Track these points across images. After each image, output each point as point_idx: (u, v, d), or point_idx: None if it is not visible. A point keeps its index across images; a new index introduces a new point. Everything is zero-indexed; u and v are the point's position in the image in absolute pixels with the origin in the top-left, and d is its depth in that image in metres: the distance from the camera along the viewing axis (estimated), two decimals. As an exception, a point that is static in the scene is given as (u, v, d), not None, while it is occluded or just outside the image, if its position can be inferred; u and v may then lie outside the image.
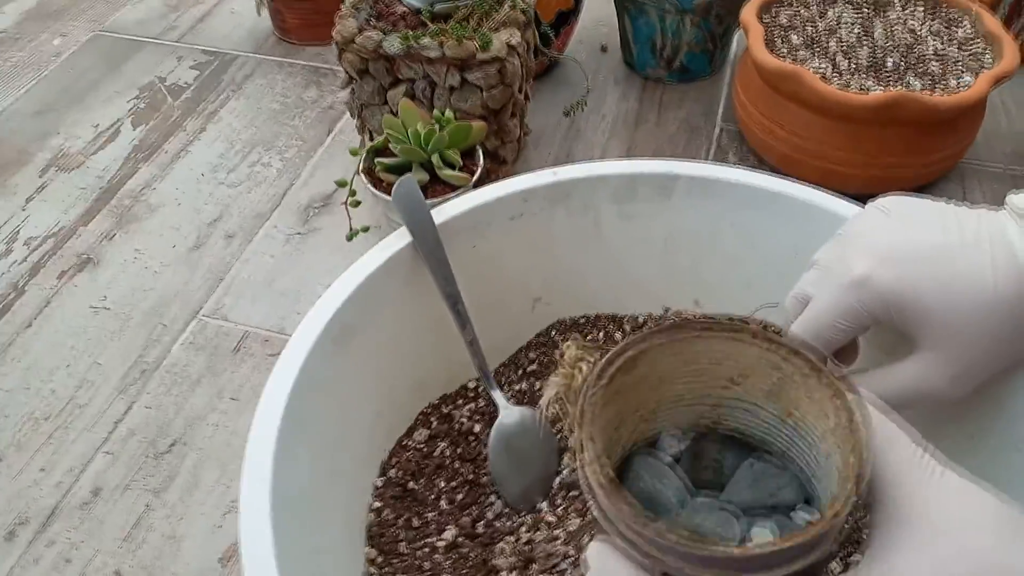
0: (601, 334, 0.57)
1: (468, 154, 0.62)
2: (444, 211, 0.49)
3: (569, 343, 0.34)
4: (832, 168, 0.69)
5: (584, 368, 0.32)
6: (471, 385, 0.55)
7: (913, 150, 0.67)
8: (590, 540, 0.31)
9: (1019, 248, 0.38)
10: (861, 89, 0.66)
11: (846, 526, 0.28)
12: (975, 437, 0.44)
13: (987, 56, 0.70)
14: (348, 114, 0.84)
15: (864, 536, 0.45)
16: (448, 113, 0.59)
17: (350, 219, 0.61)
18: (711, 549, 0.26)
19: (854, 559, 0.44)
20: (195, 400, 0.60)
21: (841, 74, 0.68)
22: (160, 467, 0.56)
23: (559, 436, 0.52)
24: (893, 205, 0.42)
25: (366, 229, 0.63)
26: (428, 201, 0.49)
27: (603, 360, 0.32)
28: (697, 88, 0.86)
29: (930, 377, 0.40)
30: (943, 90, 0.66)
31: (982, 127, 0.72)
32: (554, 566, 0.46)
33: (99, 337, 0.65)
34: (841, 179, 0.67)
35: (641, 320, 0.58)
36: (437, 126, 0.58)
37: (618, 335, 0.57)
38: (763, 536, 0.32)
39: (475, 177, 0.59)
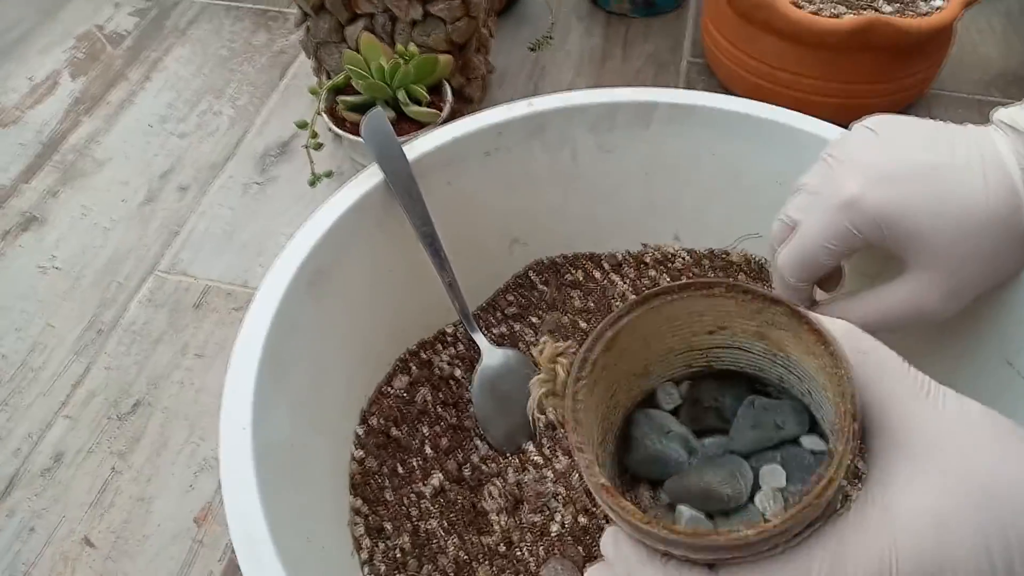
0: (580, 273, 0.56)
1: (434, 91, 0.59)
2: (416, 147, 0.47)
3: (544, 340, 0.33)
4: (804, 97, 0.68)
5: (564, 363, 0.32)
6: (449, 330, 0.53)
7: (885, 76, 0.66)
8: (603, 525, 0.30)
9: (1010, 164, 0.38)
10: (832, 15, 0.65)
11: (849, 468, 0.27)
12: (964, 356, 0.44)
13: (955, -20, 0.69)
14: (301, 58, 0.81)
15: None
16: (412, 48, 0.56)
17: (312, 163, 0.58)
18: (712, 539, 0.26)
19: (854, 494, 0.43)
20: (157, 358, 0.58)
21: (812, 1, 0.67)
22: (124, 429, 0.54)
23: (543, 377, 0.51)
24: (881, 124, 0.41)
25: (329, 174, 0.60)
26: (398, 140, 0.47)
27: (582, 350, 0.31)
28: (662, 22, 0.84)
29: (923, 296, 0.39)
30: (914, 14, 0.65)
31: (948, 56, 0.71)
32: (544, 505, 0.45)
33: (50, 298, 0.62)
34: (813, 108, 0.65)
35: (620, 257, 0.56)
36: (401, 60, 0.55)
37: (596, 273, 0.56)
38: (774, 476, 0.31)
39: (444, 113, 0.57)
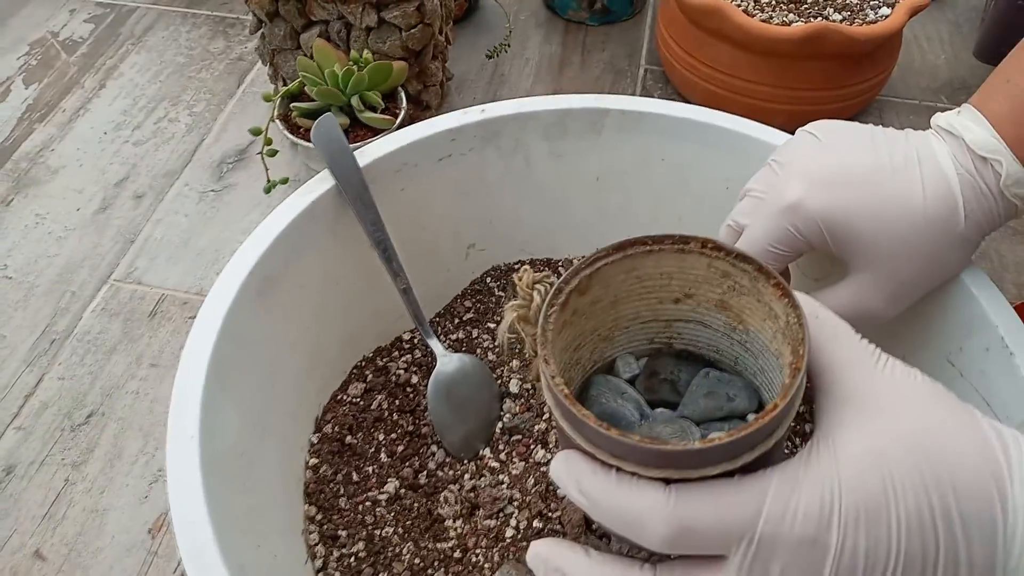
0: (536, 278, 0.56)
1: (390, 97, 0.59)
2: (368, 152, 0.47)
3: (525, 268, 0.34)
4: (756, 103, 0.69)
5: (541, 290, 0.32)
6: (406, 336, 0.53)
7: (834, 83, 0.68)
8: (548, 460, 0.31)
9: (947, 167, 0.39)
10: (783, 23, 0.66)
11: (798, 413, 0.29)
12: (906, 357, 0.44)
13: (902, -12, 0.70)
14: (259, 65, 0.80)
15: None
16: (367, 54, 0.56)
17: (267, 170, 0.58)
18: (667, 446, 0.27)
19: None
20: (112, 368, 0.57)
21: (763, 8, 0.68)
22: (78, 439, 0.53)
23: (499, 381, 0.51)
24: (823, 130, 0.42)
25: (285, 181, 0.60)
26: (350, 146, 0.47)
27: (559, 281, 0.32)
28: (619, 30, 0.85)
29: (866, 298, 0.40)
30: (862, 21, 0.67)
31: (897, 62, 0.73)
32: (500, 510, 0.45)
33: (2, 308, 0.61)
34: (765, 114, 0.67)
35: (575, 262, 0.57)
36: (355, 67, 0.55)
37: (553, 278, 0.56)
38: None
39: (399, 120, 0.57)
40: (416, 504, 0.45)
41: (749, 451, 0.28)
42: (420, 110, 0.67)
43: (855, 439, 0.28)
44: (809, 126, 0.43)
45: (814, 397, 0.31)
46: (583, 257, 0.33)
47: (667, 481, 0.27)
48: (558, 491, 0.44)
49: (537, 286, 0.33)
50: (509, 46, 0.73)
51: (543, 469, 0.46)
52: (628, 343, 0.37)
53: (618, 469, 0.28)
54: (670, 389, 0.36)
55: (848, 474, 0.27)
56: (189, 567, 0.32)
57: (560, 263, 0.57)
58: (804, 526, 0.26)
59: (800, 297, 0.32)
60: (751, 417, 0.34)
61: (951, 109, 0.41)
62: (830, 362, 0.30)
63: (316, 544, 0.43)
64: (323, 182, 0.45)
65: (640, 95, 0.77)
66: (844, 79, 0.68)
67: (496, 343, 0.53)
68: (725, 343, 0.36)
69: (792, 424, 0.30)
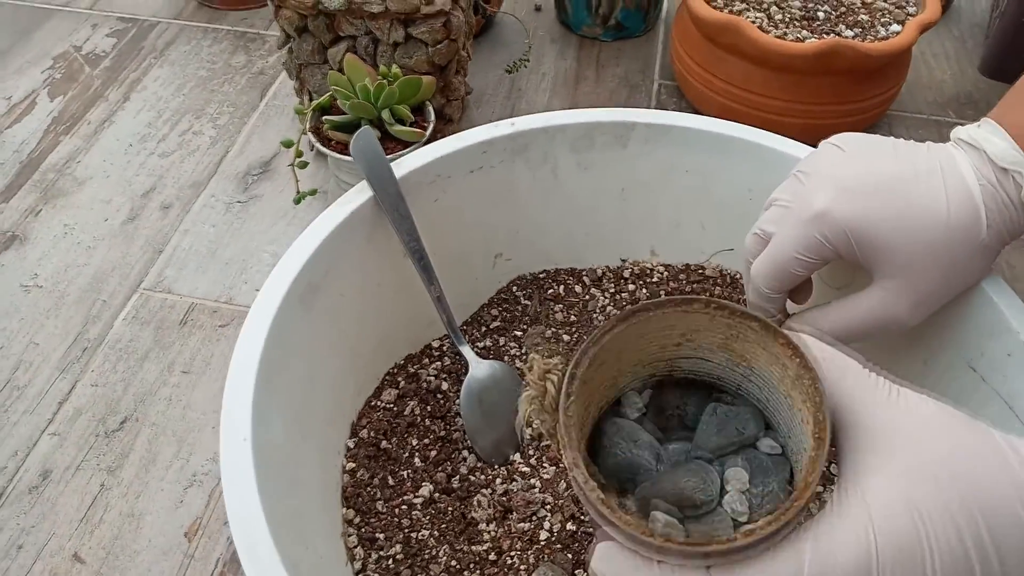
0: (561, 288, 0.57)
1: (417, 111, 0.61)
2: (404, 164, 0.48)
3: (533, 357, 0.34)
4: (769, 117, 0.70)
5: (554, 379, 0.33)
6: (435, 344, 0.54)
7: (847, 98, 0.69)
8: (591, 544, 0.32)
9: (969, 178, 0.40)
10: (797, 39, 0.68)
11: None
12: (929, 362, 0.46)
13: (911, 6, 0.72)
14: (280, 79, 0.82)
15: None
16: (395, 69, 0.58)
17: (297, 181, 0.59)
18: (712, 546, 0.28)
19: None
20: (144, 375, 0.58)
21: (776, 25, 0.70)
22: (112, 445, 0.54)
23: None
24: (847, 141, 0.44)
25: (314, 192, 0.61)
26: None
27: (569, 368, 0.33)
28: (633, 45, 0.86)
29: (891, 305, 0.41)
30: (873, 38, 0.68)
31: (906, 79, 0.75)
32: (533, 513, 0.46)
33: (33, 316, 0.62)
34: (779, 128, 0.68)
35: (599, 273, 0.58)
36: (386, 81, 0.56)
37: (577, 288, 0.57)
38: (738, 478, 0.33)
39: (428, 133, 0.58)
40: (450, 508, 0.46)
41: (785, 530, 0.29)
42: (443, 123, 0.68)
43: (881, 482, 0.29)
44: (832, 138, 0.44)
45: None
46: (593, 329, 0.34)
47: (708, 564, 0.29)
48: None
49: (549, 375, 0.33)
50: (528, 60, 0.75)
51: (573, 473, 0.47)
52: (631, 382, 0.38)
53: (659, 562, 0.29)
54: (679, 423, 0.37)
55: (880, 519, 0.28)
56: (246, 563, 0.33)
57: (584, 272, 0.58)
58: None
59: (804, 339, 0.32)
60: (762, 442, 0.35)
61: (959, 123, 0.42)
62: (843, 402, 0.31)
63: (355, 547, 0.44)
64: (361, 193, 0.47)
65: (655, 109, 0.79)
66: (856, 94, 0.70)
67: (522, 351, 0.54)
68: (727, 373, 0.37)
69: None
